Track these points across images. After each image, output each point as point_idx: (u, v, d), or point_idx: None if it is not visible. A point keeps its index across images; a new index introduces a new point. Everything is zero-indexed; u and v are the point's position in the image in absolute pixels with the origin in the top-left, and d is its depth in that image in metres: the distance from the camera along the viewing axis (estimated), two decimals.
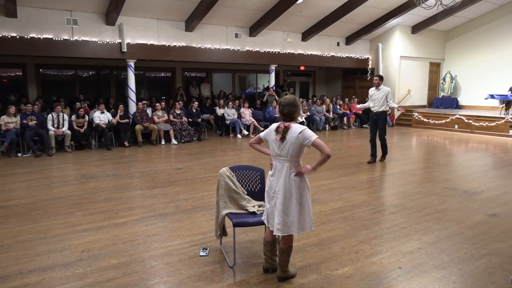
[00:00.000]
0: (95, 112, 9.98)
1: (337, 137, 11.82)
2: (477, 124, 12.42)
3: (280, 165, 2.90)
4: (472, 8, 13.24)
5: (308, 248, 3.65)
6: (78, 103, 10.57)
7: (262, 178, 3.67)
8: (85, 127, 9.49)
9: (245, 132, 11.72)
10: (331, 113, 13.94)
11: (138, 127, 10.01)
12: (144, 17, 10.80)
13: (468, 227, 4.18)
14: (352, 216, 4.56)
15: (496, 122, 11.92)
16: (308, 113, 13.42)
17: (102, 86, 13.95)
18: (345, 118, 14.16)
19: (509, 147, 9.93)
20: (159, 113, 10.68)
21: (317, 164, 2.85)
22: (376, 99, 7.50)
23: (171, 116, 10.82)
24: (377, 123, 7.61)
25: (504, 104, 12.61)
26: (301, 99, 14.28)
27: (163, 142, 10.35)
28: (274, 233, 2.95)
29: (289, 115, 2.87)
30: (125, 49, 10.47)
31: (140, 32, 10.83)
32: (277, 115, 12.42)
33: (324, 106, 13.88)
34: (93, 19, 10.16)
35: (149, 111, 10.97)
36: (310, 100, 14.38)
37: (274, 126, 2.92)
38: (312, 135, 2.78)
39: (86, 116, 9.71)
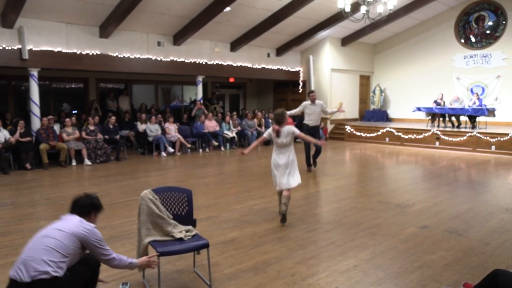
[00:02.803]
0: None
1: (270, 153, 12.00)
2: (406, 136, 13.54)
3: (284, 149, 5.16)
4: (397, 22, 14.58)
5: (241, 274, 3.64)
6: None
7: (189, 200, 3.61)
8: None
9: (170, 150, 11.50)
10: (263, 127, 14.25)
11: (43, 146, 9.34)
12: (50, 20, 10.22)
13: (402, 241, 4.50)
14: (287, 236, 4.66)
15: (423, 134, 13.11)
16: (239, 128, 13.58)
17: None
18: None
19: (436, 158, 10.95)
20: (69, 129, 10.09)
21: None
22: (313, 113, 8.35)
23: (83, 133, 10.28)
24: (314, 136, 8.13)
25: (430, 117, 13.94)
26: (228, 112, 14.45)
27: (74, 163, 9.77)
28: (293, 187, 5.13)
29: (279, 121, 5.11)
30: (26, 56, 9.78)
31: (45, 37, 10.23)
32: (206, 130, 12.40)
33: (255, 120, 14.16)
34: None
35: (56, 127, 10.33)
36: (236, 113, 14.55)
37: (270, 129, 5.19)
38: (295, 130, 5.13)
39: None
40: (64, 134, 9.97)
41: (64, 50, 10.53)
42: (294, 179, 5.13)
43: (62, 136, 9.96)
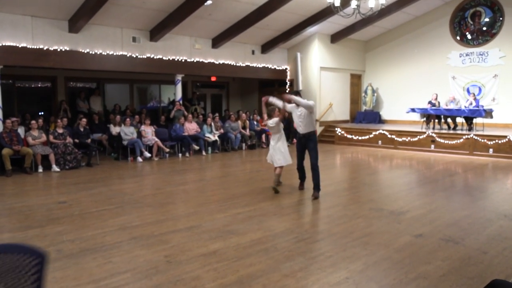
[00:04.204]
0: None
1: (255, 157, 12.10)
2: (400, 139, 13.72)
3: (276, 135, 7.37)
4: (390, 18, 14.79)
5: None
6: None
7: (41, 271, 1.75)
8: None
9: (147, 154, 11.42)
10: (247, 130, 14.26)
11: (6, 151, 9.18)
12: (14, 12, 10.09)
13: (396, 250, 4.55)
14: (274, 247, 4.66)
15: (418, 137, 13.30)
16: (222, 131, 13.57)
17: None
18: (263, 136, 14.59)
19: (431, 162, 11.12)
20: (35, 133, 9.94)
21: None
22: (300, 116, 6.99)
23: (51, 137, 10.14)
24: (306, 147, 7.14)
25: (424, 118, 14.16)
26: (210, 114, 14.43)
27: (40, 170, 9.62)
28: (282, 165, 7.33)
29: (270, 115, 7.31)
30: None
31: (8, 31, 10.08)
32: (186, 133, 12.35)
33: (239, 122, 14.16)
34: None
35: (21, 130, 10.19)
36: (218, 114, 14.50)
37: (268, 121, 7.43)
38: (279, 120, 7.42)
39: None
40: (30, 138, 9.81)
41: (29, 46, 10.39)
42: (286, 160, 7.28)
43: (27, 140, 9.79)
